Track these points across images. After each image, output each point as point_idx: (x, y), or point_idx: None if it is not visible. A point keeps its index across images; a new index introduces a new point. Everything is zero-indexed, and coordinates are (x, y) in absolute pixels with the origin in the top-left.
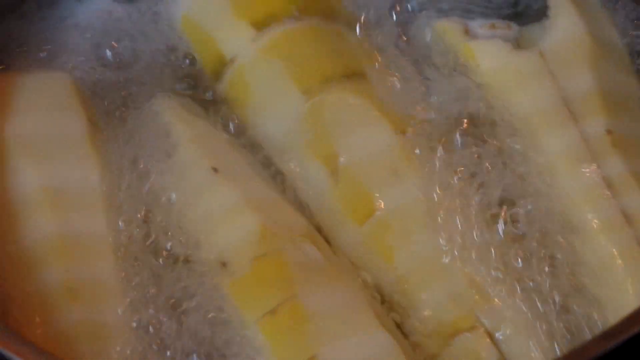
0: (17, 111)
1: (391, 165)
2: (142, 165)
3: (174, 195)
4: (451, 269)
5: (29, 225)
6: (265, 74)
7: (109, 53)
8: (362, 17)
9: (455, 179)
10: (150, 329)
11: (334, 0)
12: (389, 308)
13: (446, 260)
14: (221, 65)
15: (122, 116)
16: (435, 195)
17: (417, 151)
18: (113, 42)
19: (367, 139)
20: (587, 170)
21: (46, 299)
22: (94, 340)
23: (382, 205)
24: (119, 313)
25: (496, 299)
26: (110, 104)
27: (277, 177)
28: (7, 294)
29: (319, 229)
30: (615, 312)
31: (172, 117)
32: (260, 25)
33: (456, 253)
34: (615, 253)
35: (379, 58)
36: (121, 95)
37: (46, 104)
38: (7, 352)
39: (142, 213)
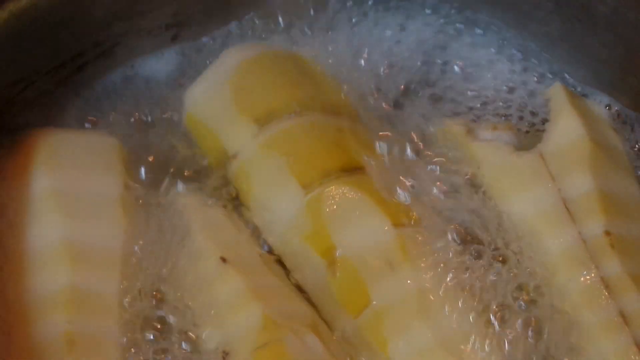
0: (58, 165)
1: (387, 258)
2: (160, 242)
3: (184, 281)
4: None
5: (42, 275)
6: (266, 169)
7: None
8: (365, 112)
9: (452, 274)
10: None
11: (336, 95)
12: None
13: (439, 353)
14: (225, 159)
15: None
16: (430, 289)
17: (415, 245)
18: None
19: (364, 232)
20: (586, 271)
21: (44, 347)
22: None
23: (377, 298)
24: None
25: None
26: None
27: (281, 263)
28: (9, 340)
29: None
30: None
31: (187, 205)
32: (262, 121)
33: (449, 346)
34: (613, 353)
35: (380, 152)
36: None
37: (88, 163)
38: None
39: (155, 287)
